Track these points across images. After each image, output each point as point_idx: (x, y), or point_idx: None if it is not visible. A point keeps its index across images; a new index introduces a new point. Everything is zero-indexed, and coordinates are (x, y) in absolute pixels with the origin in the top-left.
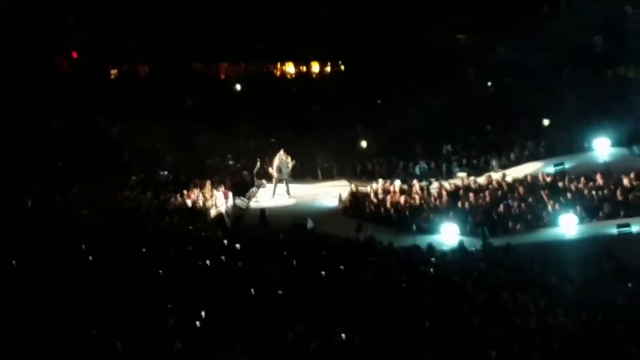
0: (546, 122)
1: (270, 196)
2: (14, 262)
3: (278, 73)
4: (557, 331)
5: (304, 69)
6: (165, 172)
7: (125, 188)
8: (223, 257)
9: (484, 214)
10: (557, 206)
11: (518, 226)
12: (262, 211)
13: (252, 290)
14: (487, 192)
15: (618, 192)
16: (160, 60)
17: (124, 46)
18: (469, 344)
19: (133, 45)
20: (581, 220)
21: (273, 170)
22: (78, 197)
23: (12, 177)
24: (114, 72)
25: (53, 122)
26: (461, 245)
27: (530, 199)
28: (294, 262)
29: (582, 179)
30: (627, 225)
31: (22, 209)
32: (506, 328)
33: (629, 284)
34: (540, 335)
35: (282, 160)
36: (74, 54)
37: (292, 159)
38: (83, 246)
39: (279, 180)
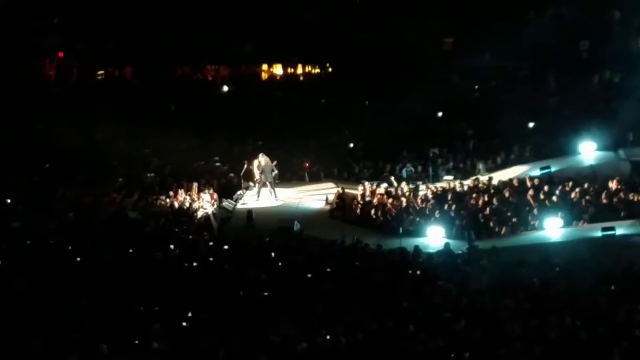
0: (531, 125)
1: (255, 198)
2: None
3: (265, 75)
4: (540, 335)
5: (291, 71)
6: (152, 175)
7: (110, 191)
8: (210, 259)
9: (470, 217)
10: (542, 209)
11: (504, 229)
12: (249, 213)
13: (238, 292)
14: (473, 196)
15: (603, 196)
16: (146, 63)
17: (110, 49)
18: (453, 348)
19: (118, 48)
20: (566, 224)
21: (255, 173)
22: (64, 201)
23: None
24: (100, 73)
25: (38, 125)
26: (447, 248)
27: (516, 203)
28: (280, 264)
29: (568, 183)
30: (612, 228)
31: (8, 213)
32: (490, 332)
33: (612, 288)
34: (524, 339)
35: (267, 162)
36: (60, 54)
37: (272, 161)
38: (70, 247)
39: (263, 183)
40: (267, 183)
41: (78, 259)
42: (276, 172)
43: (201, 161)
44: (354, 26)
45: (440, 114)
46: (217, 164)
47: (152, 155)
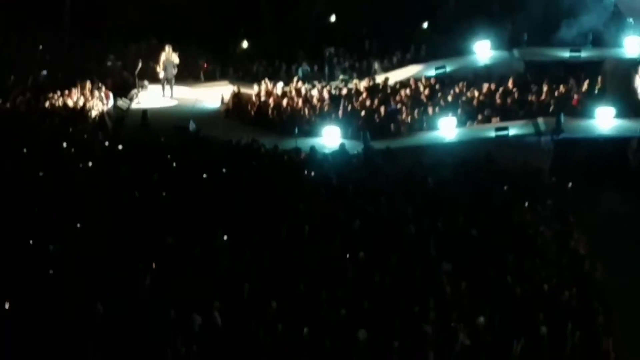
0: (425, 25)
1: (161, 94)
2: None
3: None
4: (433, 234)
5: None
6: (44, 73)
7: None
8: (105, 160)
9: (366, 118)
10: (437, 109)
11: (399, 129)
12: (144, 113)
13: (133, 193)
14: (368, 95)
15: (497, 96)
16: None
17: None
18: (348, 248)
19: None
20: (461, 124)
21: (159, 69)
22: None
23: None
24: None
25: None
26: (342, 148)
27: (411, 103)
28: (175, 165)
29: (463, 83)
30: (505, 128)
31: None
32: (384, 231)
33: (505, 187)
34: (417, 238)
35: (168, 58)
36: None
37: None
38: None
39: (165, 79)
40: (166, 80)
41: None
42: (176, 70)
43: (95, 59)
44: None
45: (333, 16)
46: (111, 62)
47: (45, 53)
